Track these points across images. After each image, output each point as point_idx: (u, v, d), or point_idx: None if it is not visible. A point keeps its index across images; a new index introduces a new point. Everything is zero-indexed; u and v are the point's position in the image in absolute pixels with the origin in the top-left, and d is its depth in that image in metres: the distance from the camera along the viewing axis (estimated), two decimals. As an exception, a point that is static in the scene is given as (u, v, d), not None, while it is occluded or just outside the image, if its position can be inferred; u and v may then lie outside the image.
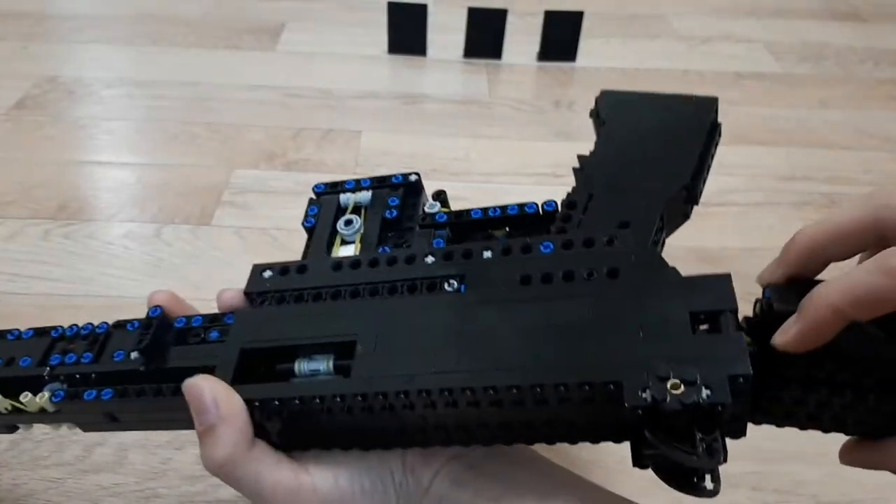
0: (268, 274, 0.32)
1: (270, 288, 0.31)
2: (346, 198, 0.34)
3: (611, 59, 1.04)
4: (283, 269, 0.31)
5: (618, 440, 0.26)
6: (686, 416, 0.21)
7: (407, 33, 1.00)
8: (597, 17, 1.15)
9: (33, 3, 1.12)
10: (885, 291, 0.21)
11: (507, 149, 0.82)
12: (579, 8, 0.99)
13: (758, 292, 0.67)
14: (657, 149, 0.32)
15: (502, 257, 0.28)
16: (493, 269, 0.28)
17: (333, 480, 0.27)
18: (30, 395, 0.30)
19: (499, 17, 0.98)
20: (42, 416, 0.31)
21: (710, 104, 0.33)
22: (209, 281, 0.61)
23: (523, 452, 0.29)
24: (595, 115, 0.36)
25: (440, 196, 0.35)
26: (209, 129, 0.83)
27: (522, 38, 1.04)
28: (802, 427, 0.26)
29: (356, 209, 0.34)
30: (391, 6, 0.98)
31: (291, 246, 0.66)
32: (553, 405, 0.24)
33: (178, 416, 0.29)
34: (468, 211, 0.33)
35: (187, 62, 0.97)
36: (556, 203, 0.32)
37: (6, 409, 0.31)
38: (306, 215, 0.35)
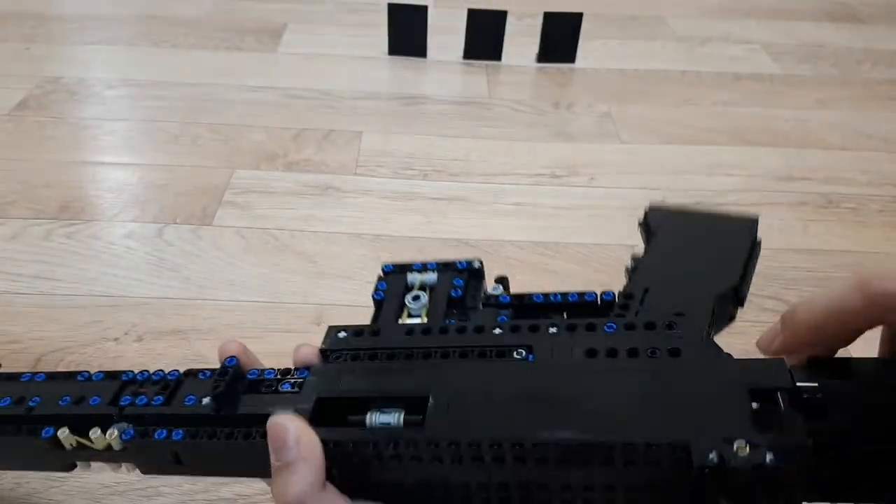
0: (342, 335, 0.33)
1: (345, 347, 0.32)
2: (413, 277, 0.37)
3: (610, 61, 1.04)
4: (357, 331, 0.33)
5: None
6: (752, 477, 0.23)
7: (407, 35, 1.00)
8: (596, 18, 1.16)
9: (36, 5, 1.12)
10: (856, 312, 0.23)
11: (507, 149, 0.83)
12: (578, 9, 0.99)
13: (755, 291, 0.68)
14: (705, 255, 0.35)
15: (567, 332, 0.30)
16: (560, 341, 0.30)
17: None
18: (99, 430, 0.31)
19: (498, 18, 0.99)
20: (106, 453, 0.32)
21: (751, 223, 0.36)
22: (211, 281, 0.62)
23: None
24: (644, 226, 0.39)
25: (503, 281, 0.37)
26: (211, 129, 0.83)
27: (522, 40, 1.04)
28: (858, 500, 0.27)
29: (422, 287, 0.36)
30: (391, 8, 0.99)
31: (293, 246, 0.66)
32: (619, 466, 0.25)
33: (245, 462, 0.30)
34: (530, 295, 0.35)
35: (189, 63, 0.98)
36: (613, 293, 0.34)
37: (71, 444, 0.32)
38: (376, 289, 0.37)
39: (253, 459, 0.29)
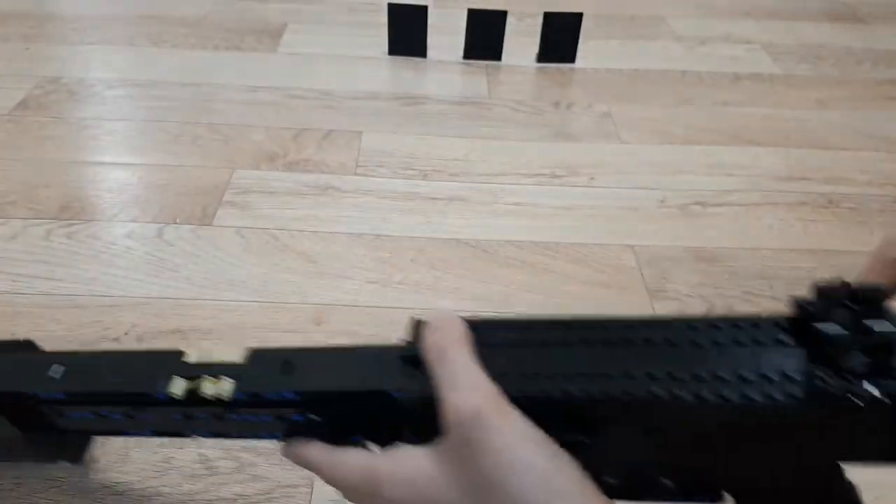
0: None
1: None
2: None
3: (610, 61, 1.04)
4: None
5: None
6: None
7: (407, 35, 1.00)
8: (596, 18, 1.16)
9: (36, 5, 1.12)
10: None
11: (507, 149, 0.83)
12: (578, 9, 0.99)
13: (755, 291, 0.68)
14: None
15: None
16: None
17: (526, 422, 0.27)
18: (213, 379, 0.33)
19: (498, 18, 0.99)
20: (200, 409, 0.33)
21: None
22: (211, 281, 0.62)
23: None
24: None
25: None
26: (211, 129, 0.83)
27: (522, 40, 1.04)
28: None
29: None
30: (391, 8, 0.99)
31: (293, 246, 0.66)
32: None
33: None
34: None
35: (189, 63, 0.98)
36: None
37: (177, 393, 0.33)
38: None
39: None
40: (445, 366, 0.28)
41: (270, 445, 0.48)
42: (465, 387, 0.27)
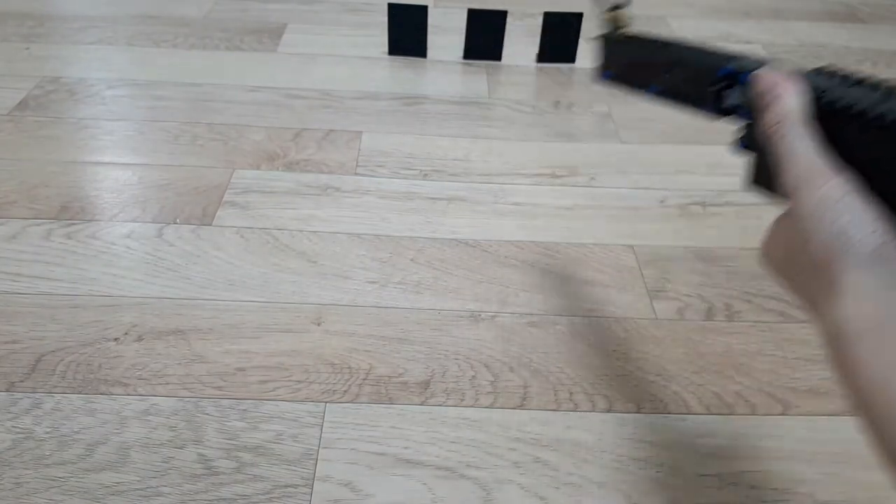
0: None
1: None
2: None
3: (610, 61, 1.04)
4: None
5: None
6: None
7: (407, 35, 1.00)
8: (596, 18, 1.15)
9: (36, 4, 1.12)
10: None
11: (507, 149, 0.83)
12: (578, 9, 0.99)
13: (755, 291, 0.67)
14: None
15: None
16: None
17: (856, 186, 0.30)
18: None
19: (498, 18, 0.99)
20: None
21: None
22: (211, 281, 0.62)
23: None
24: None
25: None
26: (210, 129, 0.83)
27: (522, 40, 1.04)
28: None
29: None
30: (392, 8, 0.99)
31: (293, 246, 0.66)
32: None
33: None
34: None
35: (189, 63, 0.98)
36: None
37: None
38: None
39: None
40: (784, 144, 0.33)
41: (269, 446, 0.48)
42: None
